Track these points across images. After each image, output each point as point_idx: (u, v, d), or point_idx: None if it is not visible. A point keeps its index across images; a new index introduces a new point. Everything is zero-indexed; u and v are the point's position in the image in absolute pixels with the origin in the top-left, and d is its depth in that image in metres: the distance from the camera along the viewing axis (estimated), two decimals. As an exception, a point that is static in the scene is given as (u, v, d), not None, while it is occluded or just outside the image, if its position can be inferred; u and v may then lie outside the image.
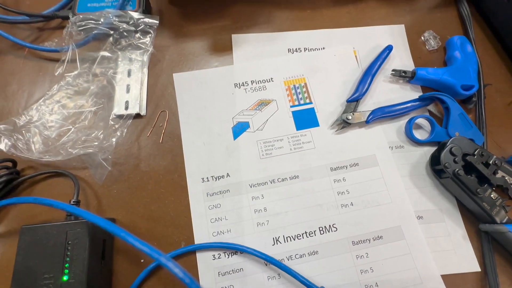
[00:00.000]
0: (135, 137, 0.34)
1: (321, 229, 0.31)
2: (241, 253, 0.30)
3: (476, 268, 0.30)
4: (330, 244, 0.30)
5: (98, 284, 0.27)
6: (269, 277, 0.29)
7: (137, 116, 0.35)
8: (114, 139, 0.34)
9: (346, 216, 0.31)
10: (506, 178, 0.31)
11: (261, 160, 0.34)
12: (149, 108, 0.36)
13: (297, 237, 0.31)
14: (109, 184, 0.32)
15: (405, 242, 0.30)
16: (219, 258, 0.29)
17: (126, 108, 0.35)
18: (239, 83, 0.37)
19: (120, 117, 0.35)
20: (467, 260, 0.30)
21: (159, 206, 0.31)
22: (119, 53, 0.36)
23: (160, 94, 0.36)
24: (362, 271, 0.29)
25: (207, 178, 0.33)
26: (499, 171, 0.31)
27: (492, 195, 0.30)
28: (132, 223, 0.31)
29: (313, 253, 0.30)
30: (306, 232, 0.31)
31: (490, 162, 0.30)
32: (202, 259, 0.29)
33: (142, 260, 0.29)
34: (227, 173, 0.33)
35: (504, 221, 0.29)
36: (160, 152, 0.34)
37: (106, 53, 0.36)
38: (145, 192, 0.32)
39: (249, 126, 0.35)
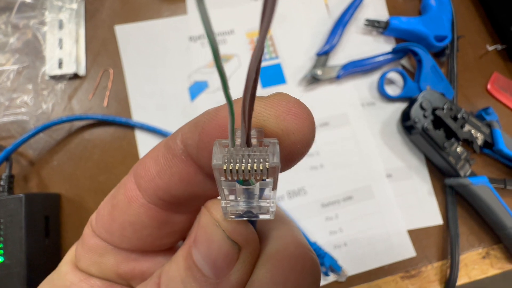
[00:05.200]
0: (75, 100, 0.32)
1: (289, 193, 0.32)
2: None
3: (439, 221, 0.33)
4: (299, 208, 0.31)
5: (43, 263, 0.26)
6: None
7: (75, 76, 0.32)
8: (50, 104, 0.31)
9: (316, 179, 0.32)
10: (472, 131, 0.33)
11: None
12: (89, 67, 0.33)
13: (264, 202, 0.31)
14: (48, 155, 0.30)
15: (374, 201, 0.32)
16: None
17: (60, 66, 0.32)
18: (194, 36, 0.35)
19: (54, 77, 0.32)
20: (431, 214, 0.33)
21: (108, 177, 0.30)
22: (44, -2, 0.32)
23: (101, 50, 0.33)
24: (331, 232, 0.31)
25: (164, 145, 0.31)
26: (466, 125, 0.33)
27: (458, 149, 0.32)
28: (78, 197, 0.29)
29: (282, 218, 0.31)
30: (274, 197, 0.31)
31: (458, 116, 0.32)
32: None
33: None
34: (186, 139, 0.32)
35: (468, 174, 0.32)
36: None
37: (26, -1, 0.31)
38: (90, 162, 0.30)
39: (208, 86, 0.34)
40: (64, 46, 0.32)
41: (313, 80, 0.34)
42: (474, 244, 0.33)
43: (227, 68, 0.34)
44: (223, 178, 0.08)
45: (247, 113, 0.07)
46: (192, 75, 0.34)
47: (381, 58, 0.36)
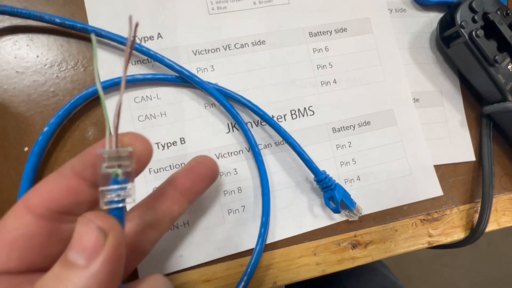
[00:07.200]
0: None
1: (293, 112, 0.24)
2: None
3: (471, 157, 0.27)
4: (303, 132, 0.24)
5: None
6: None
7: None
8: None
9: (327, 97, 0.25)
10: (527, 47, 0.26)
11: (211, 17, 0.24)
12: None
13: (260, 122, 0.24)
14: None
15: (396, 128, 0.26)
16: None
17: None
18: None
19: None
20: (462, 149, 0.27)
21: (44, 72, 0.21)
22: None
23: None
24: (342, 163, 0.24)
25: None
26: (520, 38, 0.26)
27: (510, 67, 0.25)
28: None
29: (281, 143, 0.24)
30: (273, 116, 0.24)
31: (513, 26, 0.25)
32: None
33: (25, 148, 0.21)
34: (158, 33, 0.23)
35: (516, 99, 0.25)
36: (45, -5, 0.22)
37: None
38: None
39: (191, -37, 0.24)
40: None
41: (331, -31, 0.25)
42: (507, 187, 0.27)
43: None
44: (104, 164, 0.12)
45: (116, 132, 0.12)
46: None
47: (419, -51, 0.27)
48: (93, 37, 0.12)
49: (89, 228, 0.11)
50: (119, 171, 0.12)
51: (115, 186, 0.12)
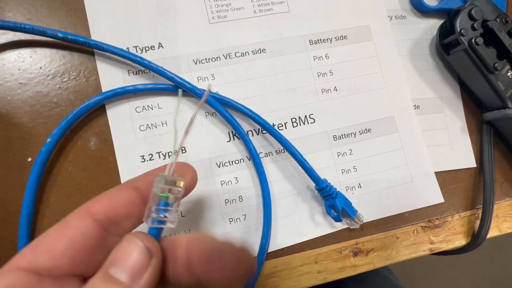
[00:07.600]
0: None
1: (294, 120, 0.24)
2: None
3: (472, 163, 0.27)
4: (304, 140, 0.24)
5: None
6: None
7: None
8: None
9: (328, 104, 0.25)
10: (527, 54, 0.26)
11: (211, 26, 0.24)
12: None
13: (261, 131, 0.24)
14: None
15: (397, 135, 0.26)
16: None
17: None
18: None
19: None
20: (463, 156, 0.27)
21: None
22: None
23: None
24: (343, 171, 0.24)
25: (127, 49, 0.23)
26: (520, 45, 0.25)
27: (509, 74, 0.25)
28: None
29: (282, 151, 0.24)
30: (274, 125, 0.24)
31: (513, 33, 0.25)
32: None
33: (29, 159, 0.21)
34: (159, 43, 0.23)
35: (516, 106, 0.25)
36: (49, 4, 0.22)
37: None
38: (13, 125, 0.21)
39: (192, -27, 0.24)
40: None
41: (331, -23, 0.26)
42: (508, 193, 0.27)
43: None
44: (160, 185, 0.13)
45: (174, 163, 0.14)
46: (168, -42, 0.24)
47: (418, -44, 0.27)
48: (180, 92, 0.16)
49: (137, 247, 0.12)
50: (171, 195, 0.13)
51: (164, 207, 0.13)
